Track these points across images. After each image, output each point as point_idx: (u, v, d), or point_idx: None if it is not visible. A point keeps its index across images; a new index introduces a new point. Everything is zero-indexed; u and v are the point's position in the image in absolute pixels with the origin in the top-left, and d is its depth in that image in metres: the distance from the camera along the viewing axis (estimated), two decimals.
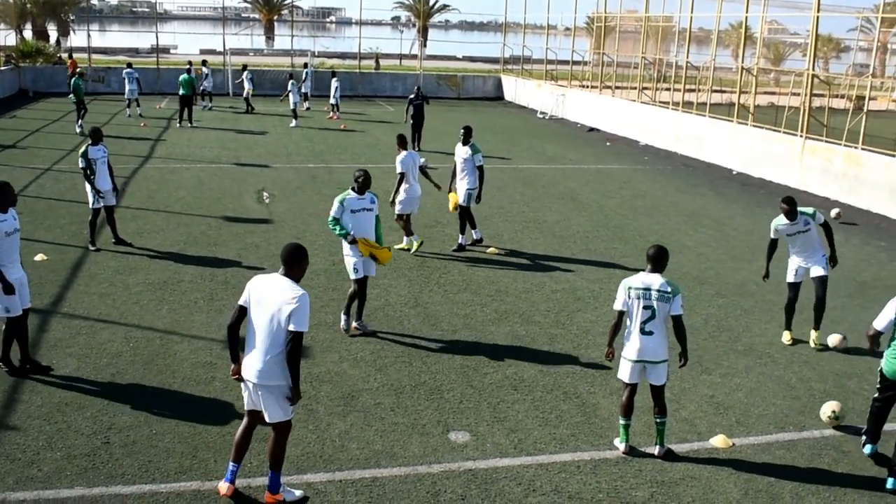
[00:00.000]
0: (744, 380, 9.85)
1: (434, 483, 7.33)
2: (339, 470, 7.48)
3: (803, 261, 11.00)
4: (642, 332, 7.73)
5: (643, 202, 20.00)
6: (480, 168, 14.60)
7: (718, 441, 8.26)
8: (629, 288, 7.76)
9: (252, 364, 6.55)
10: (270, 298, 6.44)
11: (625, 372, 7.95)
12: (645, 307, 7.70)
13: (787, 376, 10.03)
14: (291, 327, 6.37)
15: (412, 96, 26.64)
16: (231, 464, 6.94)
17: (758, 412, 9.02)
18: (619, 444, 8.07)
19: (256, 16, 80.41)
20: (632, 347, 7.83)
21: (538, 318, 11.67)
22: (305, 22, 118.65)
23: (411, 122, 26.28)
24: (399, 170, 14.17)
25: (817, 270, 10.94)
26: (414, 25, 77.06)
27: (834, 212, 19.08)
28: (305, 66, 38.64)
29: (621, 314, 7.87)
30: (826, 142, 22.61)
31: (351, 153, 25.49)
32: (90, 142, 13.76)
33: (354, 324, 10.81)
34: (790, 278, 11.19)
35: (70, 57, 41.05)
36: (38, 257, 13.32)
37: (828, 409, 8.75)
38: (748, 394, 9.47)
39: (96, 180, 13.76)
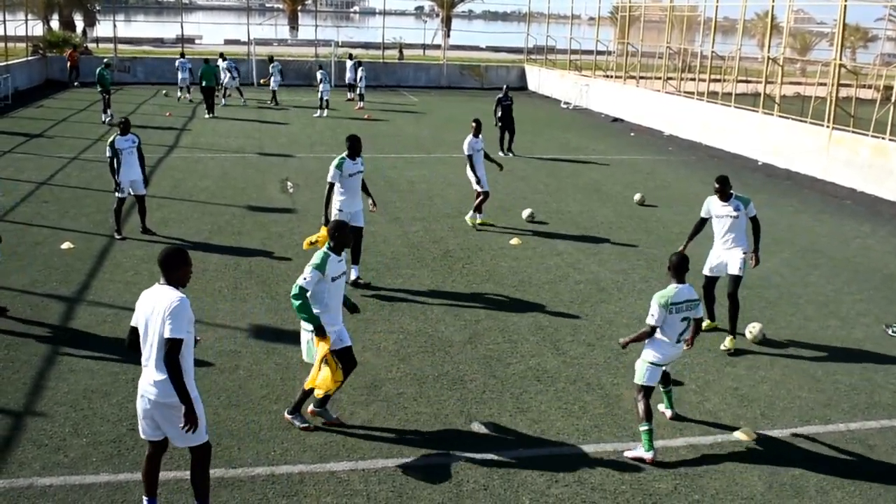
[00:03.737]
0: (768, 372, 9.78)
1: (457, 473, 7.33)
2: (362, 459, 7.50)
3: (723, 254, 10.56)
4: (678, 341, 7.80)
5: (667, 193, 19.86)
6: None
7: (743, 434, 8.21)
8: (671, 304, 7.64)
9: (147, 380, 6.06)
10: (154, 309, 5.93)
11: (652, 377, 7.79)
12: (683, 319, 7.74)
13: (812, 369, 9.94)
14: (166, 334, 5.80)
15: (500, 96, 24.84)
16: (145, 499, 6.43)
17: (783, 405, 8.96)
18: (646, 454, 7.65)
19: (280, 6, 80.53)
20: (664, 355, 7.77)
21: (561, 308, 11.63)
22: (329, 12, 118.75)
23: (499, 123, 24.62)
24: (467, 152, 15.53)
25: (733, 269, 10.45)
26: (437, 15, 76.78)
27: (526, 213, 16.62)
28: (350, 56, 39.01)
29: (655, 329, 7.74)
30: (853, 132, 22.35)
31: (374, 143, 25.48)
32: (118, 132, 13.90)
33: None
34: (705, 270, 10.79)
35: (74, 49, 41.15)
36: (65, 245, 13.44)
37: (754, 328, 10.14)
38: (773, 386, 9.40)
39: (122, 171, 13.88)
